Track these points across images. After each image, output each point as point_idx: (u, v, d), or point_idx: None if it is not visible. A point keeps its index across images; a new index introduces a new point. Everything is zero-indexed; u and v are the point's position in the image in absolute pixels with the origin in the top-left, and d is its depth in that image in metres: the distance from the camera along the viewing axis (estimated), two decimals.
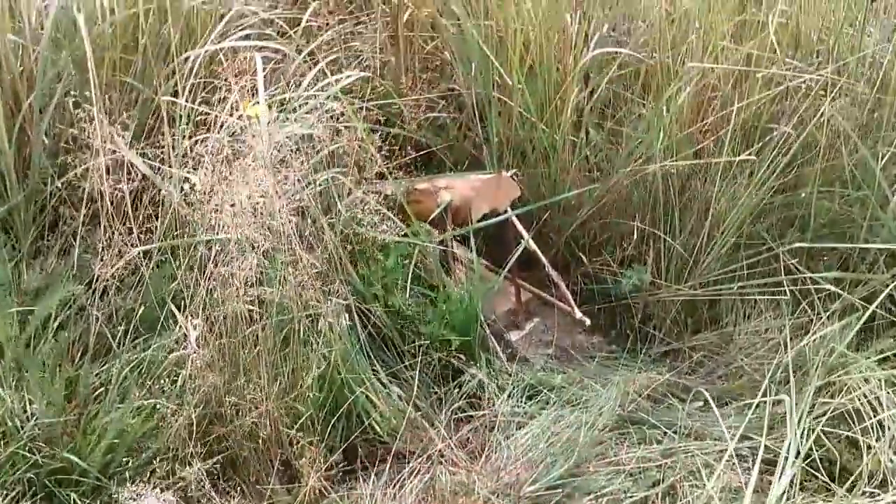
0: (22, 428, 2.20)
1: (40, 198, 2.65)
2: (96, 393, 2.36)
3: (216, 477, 2.30)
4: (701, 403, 2.82)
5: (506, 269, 2.99)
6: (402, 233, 2.75)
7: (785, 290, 2.88)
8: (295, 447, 2.38)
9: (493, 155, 3.11)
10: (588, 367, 2.94)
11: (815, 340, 2.78)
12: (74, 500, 2.16)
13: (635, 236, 2.99)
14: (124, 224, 2.44)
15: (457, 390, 2.72)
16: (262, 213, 2.32)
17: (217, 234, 2.28)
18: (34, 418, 2.22)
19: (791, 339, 2.86)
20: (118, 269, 2.37)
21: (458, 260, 3.14)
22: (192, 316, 2.30)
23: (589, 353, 3.02)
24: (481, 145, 3.19)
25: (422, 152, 3.26)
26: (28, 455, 2.17)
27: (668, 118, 2.90)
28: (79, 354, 2.42)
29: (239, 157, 2.42)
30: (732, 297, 2.91)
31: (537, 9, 3.08)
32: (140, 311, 2.44)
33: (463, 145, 3.32)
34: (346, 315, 2.55)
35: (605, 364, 2.95)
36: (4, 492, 2.14)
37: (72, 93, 2.58)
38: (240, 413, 2.33)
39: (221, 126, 2.47)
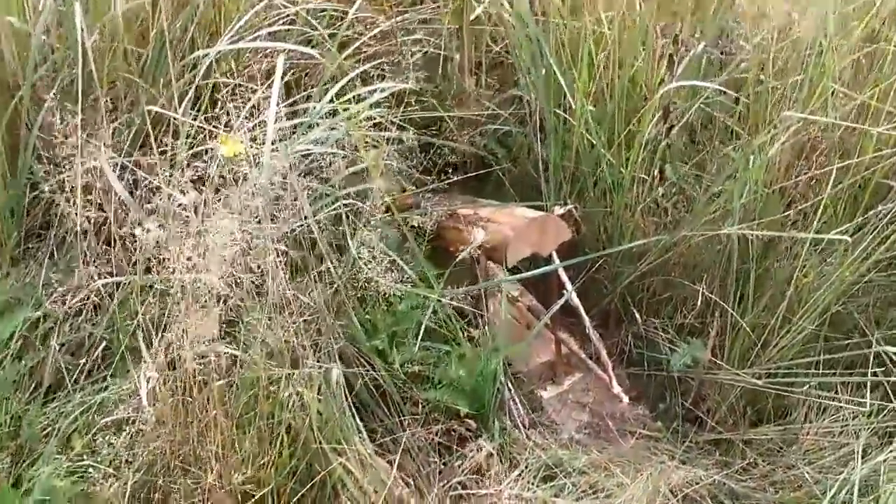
0: None
1: (23, 201, 2.42)
2: (45, 431, 2.16)
3: None
4: None
5: (546, 318, 2.62)
6: (412, 281, 2.39)
7: (868, 387, 2.41)
8: None
9: (549, 185, 2.70)
10: (623, 445, 2.55)
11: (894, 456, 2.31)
12: None
13: (699, 303, 2.53)
14: (103, 244, 2.20)
15: (460, 462, 2.39)
16: (235, 262, 2.03)
17: (176, 279, 1.98)
18: None
19: (867, 450, 2.40)
20: (80, 299, 2.14)
21: (501, 292, 2.79)
22: (147, 366, 2.04)
23: (628, 428, 2.61)
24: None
25: (480, 171, 2.91)
26: None
27: (754, 170, 2.40)
28: (33, 386, 2.21)
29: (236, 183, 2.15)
30: (804, 394, 2.44)
31: (618, 17, 2.60)
32: (101, 346, 2.20)
33: (527, 162, 2.90)
34: (336, 373, 2.24)
35: (645, 445, 2.54)
36: None
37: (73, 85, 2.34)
38: (186, 481, 2.08)
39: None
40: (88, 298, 2.15)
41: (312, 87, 2.60)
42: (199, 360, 1.98)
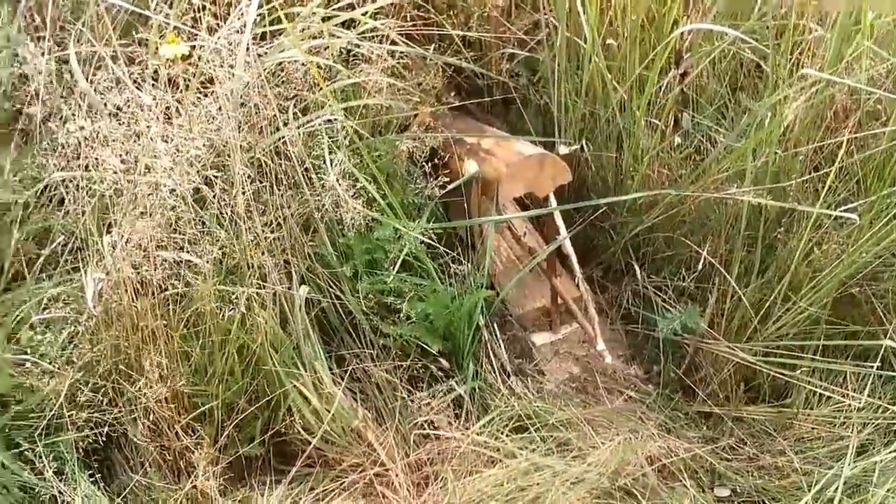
0: None
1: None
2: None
3: (89, 453, 2.03)
4: (726, 494, 2.25)
5: (534, 262, 2.48)
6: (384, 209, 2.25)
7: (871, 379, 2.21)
8: (190, 437, 2.06)
9: (564, 121, 2.52)
10: (608, 404, 2.40)
11: (892, 458, 2.12)
12: None
13: (701, 266, 2.34)
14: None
15: (429, 401, 2.28)
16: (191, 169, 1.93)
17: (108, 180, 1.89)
18: None
19: (866, 447, 2.21)
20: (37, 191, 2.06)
21: (510, 229, 2.65)
22: (92, 268, 1.97)
23: (618, 387, 2.46)
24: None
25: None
26: None
27: (767, 129, 2.18)
28: None
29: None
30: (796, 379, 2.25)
31: None
32: (59, 240, 2.11)
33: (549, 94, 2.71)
34: (300, 295, 2.14)
35: (631, 408, 2.38)
36: None
37: None
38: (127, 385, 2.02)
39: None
40: (50, 190, 2.07)
41: None
42: (138, 266, 1.91)
